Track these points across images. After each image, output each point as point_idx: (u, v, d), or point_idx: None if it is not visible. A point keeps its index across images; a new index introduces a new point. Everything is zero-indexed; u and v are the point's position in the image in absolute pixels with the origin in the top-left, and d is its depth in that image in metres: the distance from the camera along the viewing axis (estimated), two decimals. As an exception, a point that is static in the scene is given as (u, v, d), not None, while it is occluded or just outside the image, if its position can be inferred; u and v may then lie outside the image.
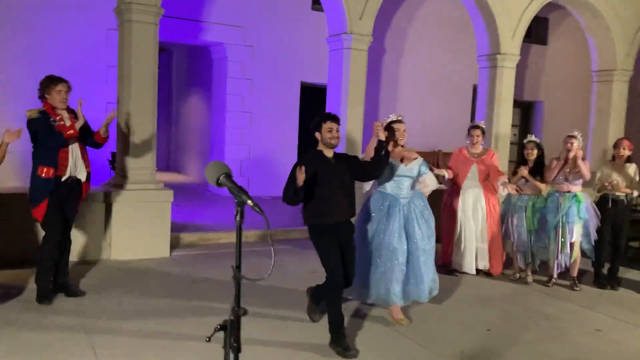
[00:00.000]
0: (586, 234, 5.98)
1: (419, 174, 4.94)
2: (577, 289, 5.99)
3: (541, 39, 13.49)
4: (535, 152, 6.07)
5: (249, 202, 2.03)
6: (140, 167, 6.38)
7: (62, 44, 9.04)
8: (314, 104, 11.16)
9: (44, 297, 4.80)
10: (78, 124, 4.75)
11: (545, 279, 6.20)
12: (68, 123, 4.78)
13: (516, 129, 13.51)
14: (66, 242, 5.05)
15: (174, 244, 6.85)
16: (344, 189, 4.25)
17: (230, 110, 10.57)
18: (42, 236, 4.88)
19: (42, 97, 4.81)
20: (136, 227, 6.30)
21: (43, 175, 4.69)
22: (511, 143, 9.91)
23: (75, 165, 4.86)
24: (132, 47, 6.23)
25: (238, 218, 2.01)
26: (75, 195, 4.96)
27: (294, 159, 11.07)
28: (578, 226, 5.91)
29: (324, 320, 4.27)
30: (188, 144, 13.91)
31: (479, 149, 6.29)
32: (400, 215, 4.74)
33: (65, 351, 3.89)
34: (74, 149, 4.82)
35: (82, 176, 4.91)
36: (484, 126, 6.41)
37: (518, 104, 12.61)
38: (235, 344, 2.03)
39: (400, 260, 4.68)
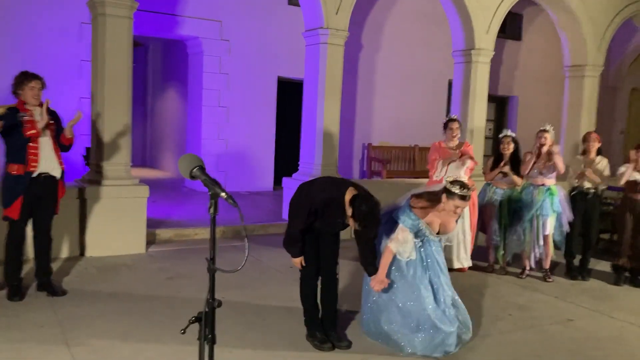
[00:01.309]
0: (558, 226, 6.11)
1: None
2: (550, 280, 6.12)
3: (515, 34, 13.66)
4: (511, 146, 6.15)
5: (223, 194, 2.03)
6: (115, 162, 6.32)
7: (35, 37, 8.89)
8: (291, 99, 11.18)
9: (14, 294, 4.75)
10: (40, 124, 4.66)
11: (518, 271, 6.32)
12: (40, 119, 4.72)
13: (491, 124, 13.68)
14: (46, 241, 4.98)
15: (150, 240, 6.80)
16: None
17: (207, 105, 10.51)
18: (6, 233, 4.81)
19: (15, 92, 4.73)
20: (111, 224, 6.25)
21: (14, 172, 4.63)
22: (486, 137, 10.04)
23: (47, 161, 4.75)
24: (105, 42, 6.16)
25: (212, 210, 2.02)
26: (51, 194, 4.87)
27: (271, 153, 11.08)
28: (552, 219, 6.03)
29: (300, 314, 4.28)
30: (164, 140, 13.80)
31: (456, 142, 6.26)
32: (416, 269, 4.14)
33: (41, 349, 3.85)
34: (45, 145, 4.73)
35: (56, 173, 4.83)
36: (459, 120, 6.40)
37: (493, 98, 12.76)
38: (209, 336, 2.05)
39: (431, 307, 4.08)
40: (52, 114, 4.84)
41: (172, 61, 13.09)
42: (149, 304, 4.84)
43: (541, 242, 6.06)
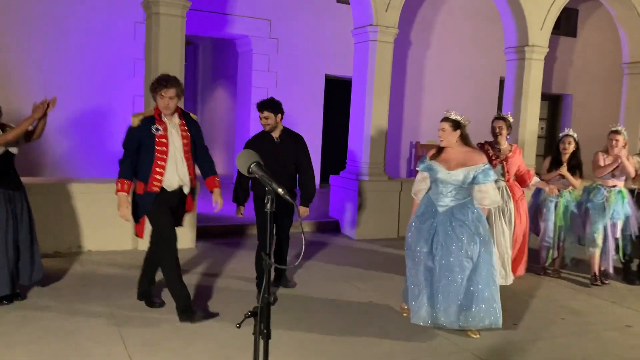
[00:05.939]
0: (624, 229, 5.86)
1: (475, 182, 4.26)
2: (597, 283, 5.88)
3: (570, 30, 13.24)
4: (572, 147, 5.92)
5: (280, 190, 2.04)
6: (167, 158, 6.44)
7: (90, 37, 9.17)
8: (338, 97, 11.17)
9: (142, 298, 4.73)
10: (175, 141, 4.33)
11: (576, 275, 6.12)
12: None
13: (544, 123, 13.31)
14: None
15: (200, 235, 6.92)
16: None
17: (256, 103, 10.59)
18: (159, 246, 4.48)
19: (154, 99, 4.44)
20: (163, 218, 6.38)
21: (138, 192, 4.31)
22: (539, 137, 9.77)
23: (173, 179, 4.32)
24: (159, 40, 6.30)
25: (269, 206, 2.02)
26: (179, 206, 4.53)
27: (318, 151, 11.10)
28: (621, 222, 5.82)
29: (346, 310, 4.28)
30: (213, 137, 13.99)
31: (504, 144, 5.79)
32: (429, 224, 4.28)
33: (94, 339, 3.97)
34: (173, 160, 4.29)
35: (185, 190, 4.46)
36: (510, 119, 5.88)
37: (546, 97, 12.41)
38: (265, 331, 2.06)
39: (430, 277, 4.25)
40: (186, 116, 4.50)
41: (222, 60, 13.28)
42: (199, 297, 4.93)
43: (613, 245, 5.82)
